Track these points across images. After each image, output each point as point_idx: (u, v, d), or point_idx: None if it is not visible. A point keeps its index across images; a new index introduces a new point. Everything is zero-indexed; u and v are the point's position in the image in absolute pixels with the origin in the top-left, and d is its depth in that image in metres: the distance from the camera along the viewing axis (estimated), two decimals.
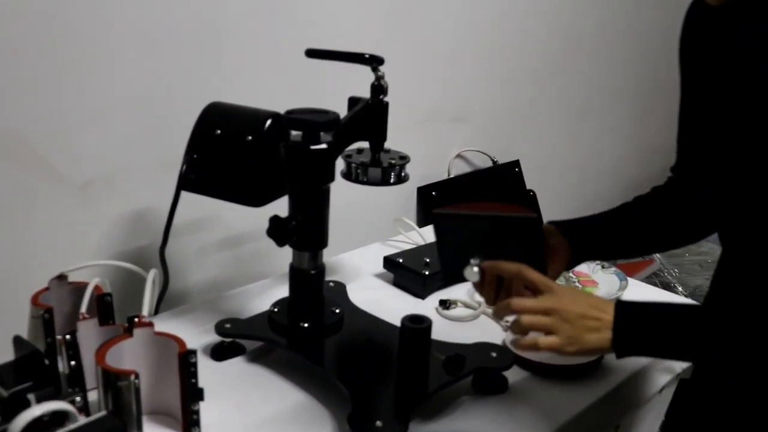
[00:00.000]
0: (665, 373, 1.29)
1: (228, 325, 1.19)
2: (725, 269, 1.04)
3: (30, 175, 1.23)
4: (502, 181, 2.20)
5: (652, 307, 0.94)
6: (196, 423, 0.99)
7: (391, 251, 1.52)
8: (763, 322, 0.84)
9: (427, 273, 1.41)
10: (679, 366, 1.29)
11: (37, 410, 0.74)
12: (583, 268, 1.56)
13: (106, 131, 1.31)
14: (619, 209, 1.20)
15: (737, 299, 0.97)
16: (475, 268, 1.01)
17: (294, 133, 1.10)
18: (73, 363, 0.97)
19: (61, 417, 0.76)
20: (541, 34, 2.19)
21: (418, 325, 1.05)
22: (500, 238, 1.03)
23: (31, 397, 0.80)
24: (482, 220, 1.03)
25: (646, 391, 1.27)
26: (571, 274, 1.54)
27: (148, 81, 1.34)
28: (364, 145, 1.21)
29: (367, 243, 1.65)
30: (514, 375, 1.15)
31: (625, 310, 0.92)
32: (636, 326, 0.92)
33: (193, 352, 0.96)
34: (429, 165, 2.00)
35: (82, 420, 0.76)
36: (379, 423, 0.97)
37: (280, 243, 1.13)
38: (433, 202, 1.96)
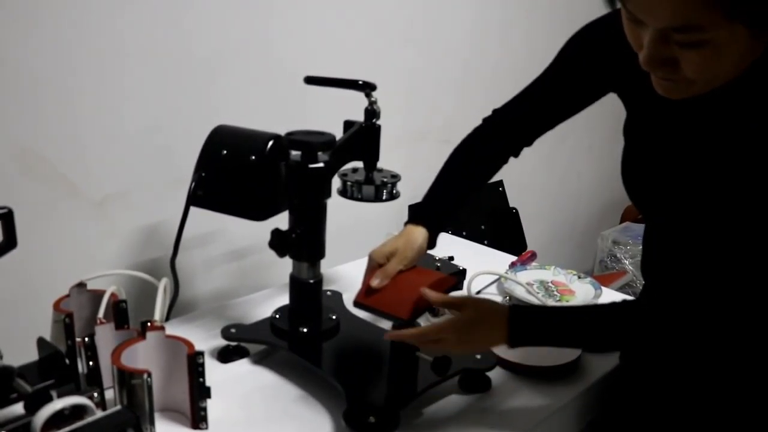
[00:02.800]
0: None
1: (233, 330, 1.20)
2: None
3: (52, 191, 1.25)
4: (486, 200, 2.22)
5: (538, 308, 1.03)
6: (204, 419, 1.00)
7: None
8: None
9: None
10: None
11: (58, 404, 0.75)
12: (561, 278, 1.58)
13: (122, 151, 1.32)
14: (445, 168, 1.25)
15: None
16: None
17: (294, 153, 1.11)
18: (91, 363, 0.98)
19: (80, 411, 0.77)
20: (521, 62, 2.22)
21: None
22: None
23: (53, 393, 0.80)
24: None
25: None
26: (550, 284, 1.56)
27: (159, 106, 1.35)
28: (359, 164, 1.23)
29: (361, 256, 1.66)
30: (496, 375, 1.17)
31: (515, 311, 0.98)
32: (528, 319, 0.97)
33: (201, 354, 0.97)
34: (419, 184, 2.01)
35: (99, 413, 0.77)
36: (372, 419, 0.98)
37: (281, 254, 1.14)
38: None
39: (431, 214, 1.18)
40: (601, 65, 1.02)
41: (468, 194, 1.22)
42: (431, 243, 1.17)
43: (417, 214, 1.18)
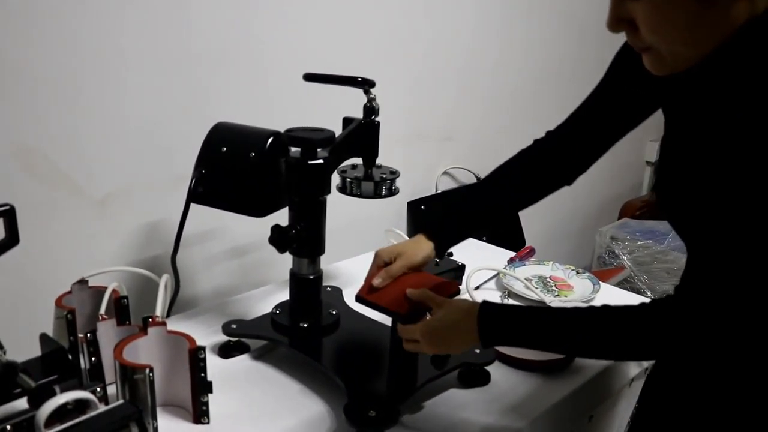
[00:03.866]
0: (634, 367, 1.31)
1: (234, 326, 1.20)
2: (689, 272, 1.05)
3: (54, 190, 1.25)
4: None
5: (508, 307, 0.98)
6: (206, 413, 1.01)
7: None
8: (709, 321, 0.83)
9: None
10: (647, 361, 1.31)
11: (62, 398, 0.76)
12: (559, 273, 1.59)
13: (122, 150, 1.33)
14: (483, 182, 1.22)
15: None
16: None
17: (293, 149, 1.12)
18: (93, 359, 0.98)
19: (83, 405, 0.78)
20: (523, 61, 2.22)
21: None
22: None
23: (56, 388, 0.81)
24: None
25: (617, 384, 1.29)
26: (549, 280, 1.56)
27: (160, 104, 1.36)
28: (358, 161, 1.23)
29: (361, 252, 1.67)
30: (496, 369, 1.17)
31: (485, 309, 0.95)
32: (497, 318, 0.95)
33: (202, 348, 0.98)
34: (418, 181, 2.02)
35: (102, 408, 0.78)
36: (372, 413, 0.99)
37: (281, 250, 1.14)
38: (421, 215, 1.99)
39: (448, 233, 1.17)
40: (648, 80, 0.98)
41: (497, 219, 1.20)
42: (439, 255, 1.17)
43: (434, 228, 1.16)
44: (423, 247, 1.14)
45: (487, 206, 1.19)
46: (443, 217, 1.19)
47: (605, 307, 0.88)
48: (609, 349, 0.91)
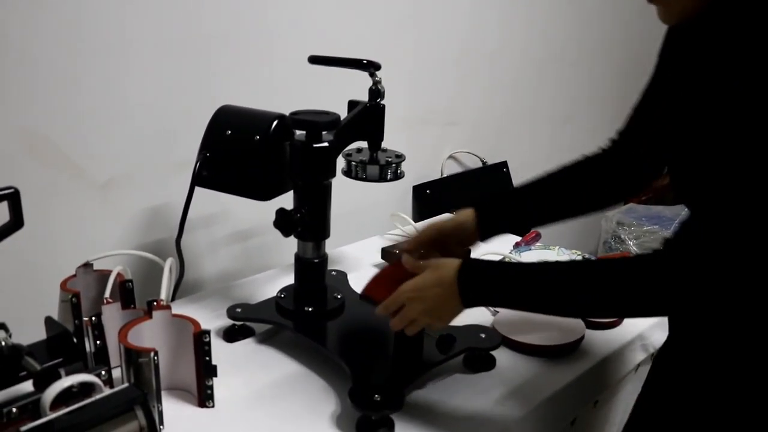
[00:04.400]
0: (640, 352, 1.31)
1: (239, 310, 1.20)
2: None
3: (57, 174, 1.25)
4: (491, 181, 2.22)
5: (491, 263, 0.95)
6: (210, 397, 1.01)
7: (388, 243, 1.54)
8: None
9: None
10: (653, 346, 1.31)
11: (67, 381, 0.76)
12: (565, 258, 1.58)
13: (126, 133, 1.32)
14: (545, 178, 1.15)
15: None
16: None
17: (298, 132, 1.11)
18: (98, 342, 0.99)
19: (88, 388, 0.78)
20: (526, 45, 2.21)
21: None
22: None
23: (61, 371, 0.81)
24: None
25: (622, 369, 1.28)
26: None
27: (163, 87, 1.35)
28: (363, 144, 1.22)
29: (366, 236, 1.67)
30: (501, 354, 1.17)
31: (465, 267, 0.93)
32: (478, 272, 0.92)
33: (207, 332, 0.97)
34: (424, 165, 2.01)
35: (108, 391, 0.78)
36: (377, 397, 0.98)
37: (286, 234, 1.14)
38: (427, 199, 1.98)
39: (497, 213, 1.11)
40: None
41: (549, 222, 1.15)
42: (482, 235, 1.11)
43: (484, 204, 1.12)
44: (462, 215, 1.09)
45: (547, 208, 1.14)
46: (500, 199, 1.14)
47: (602, 262, 0.86)
48: (617, 306, 0.88)
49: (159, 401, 0.94)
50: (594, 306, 0.90)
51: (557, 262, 0.92)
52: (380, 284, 1.11)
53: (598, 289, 0.86)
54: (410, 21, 1.80)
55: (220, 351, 1.13)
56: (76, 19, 1.20)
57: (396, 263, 1.07)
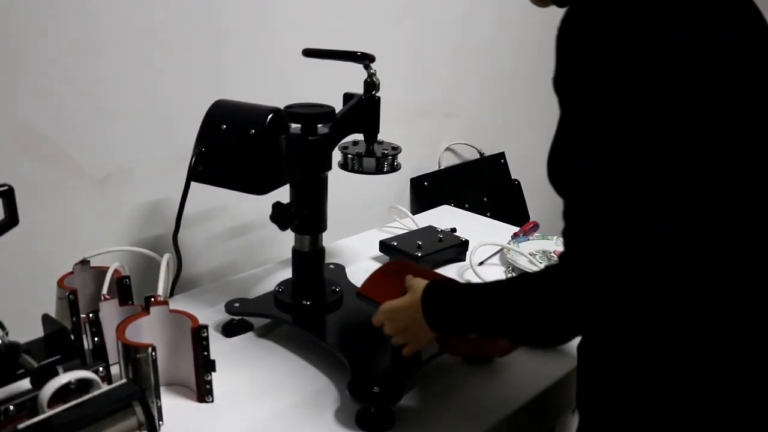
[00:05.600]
0: None
1: (237, 304, 1.20)
2: None
3: (54, 170, 1.25)
4: (488, 172, 2.22)
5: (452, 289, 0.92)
6: (210, 392, 1.01)
7: (386, 236, 1.54)
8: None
9: (419, 255, 1.43)
10: None
11: (64, 378, 0.76)
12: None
13: (123, 129, 1.32)
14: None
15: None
16: None
17: (293, 126, 1.11)
18: (96, 339, 0.98)
19: (86, 385, 0.77)
20: (522, 37, 2.20)
21: None
22: None
23: (59, 369, 0.81)
24: None
25: None
26: (553, 255, 1.56)
27: (158, 82, 1.35)
28: (359, 137, 1.22)
29: (364, 229, 1.67)
30: None
31: (427, 293, 0.92)
32: (438, 302, 0.90)
33: (205, 327, 0.98)
34: (421, 157, 2.01)
35: (106, 387, 0.78)
36: (376, 389, 0.99)
37: (283, 227, 1.14)
38: (425, 192, 1.98)
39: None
40: None
41: None
42: None
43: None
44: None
45: None
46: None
47: (513, 279, 0.83)
48: (514, 326, 0.83)
49: (158, 397, 0.94)
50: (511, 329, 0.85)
51: (498, 282, 0.86)
52: (377, 283, 1.11)
53: (505, 309, 0.82)
54: (408, 13, 1.79)
55: (219, 347, 1.14)
56: (73, 14, 1.20)
57: (394, 262, 1.07)
